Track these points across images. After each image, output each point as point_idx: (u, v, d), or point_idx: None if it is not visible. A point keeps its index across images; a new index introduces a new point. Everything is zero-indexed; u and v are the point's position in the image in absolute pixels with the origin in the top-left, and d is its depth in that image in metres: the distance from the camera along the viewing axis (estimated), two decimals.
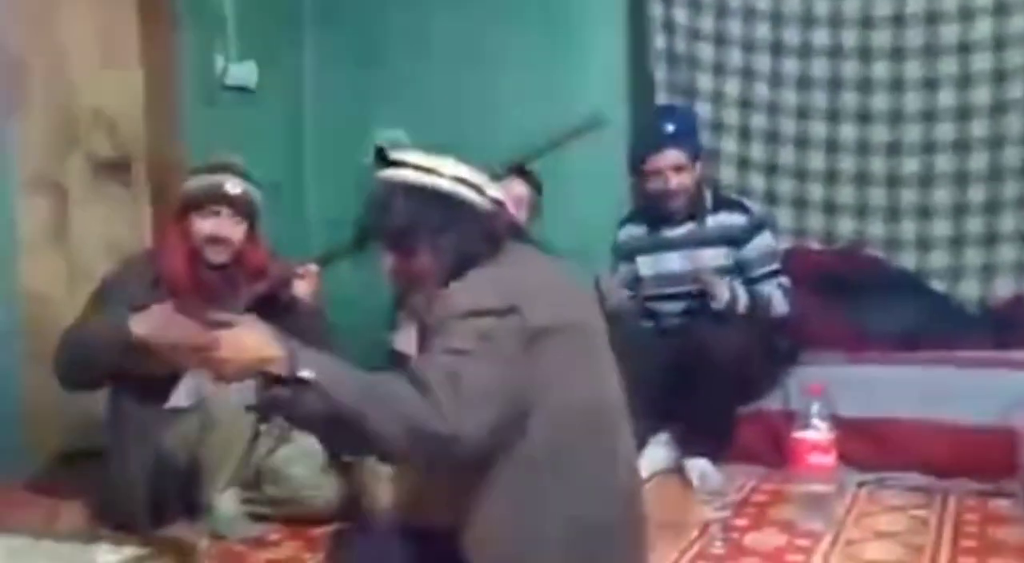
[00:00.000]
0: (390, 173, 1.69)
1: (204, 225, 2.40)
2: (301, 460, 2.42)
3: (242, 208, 2.43)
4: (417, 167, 1.67)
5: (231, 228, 2.42)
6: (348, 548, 1.74)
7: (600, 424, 1.63)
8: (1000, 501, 2.42)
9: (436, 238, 1.65)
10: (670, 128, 2.88)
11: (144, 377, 2.30)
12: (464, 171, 1.68)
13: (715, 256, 2.84)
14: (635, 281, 2.98)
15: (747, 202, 2.99)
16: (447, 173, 1.67)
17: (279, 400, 1.46)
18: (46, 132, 3.02)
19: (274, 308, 2.38)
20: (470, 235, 1.65)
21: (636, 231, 3.02)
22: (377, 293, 2.57)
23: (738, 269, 2.84)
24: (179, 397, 2.34)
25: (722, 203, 2.92)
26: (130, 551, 1.86)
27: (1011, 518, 2.30)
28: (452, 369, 1.48)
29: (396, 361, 2.73)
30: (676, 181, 2.85)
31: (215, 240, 2.40)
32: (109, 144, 3.08)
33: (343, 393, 1.46)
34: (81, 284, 2.67)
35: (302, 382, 1.45)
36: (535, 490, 1.55)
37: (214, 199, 2.41)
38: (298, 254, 2.68)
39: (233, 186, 2.42)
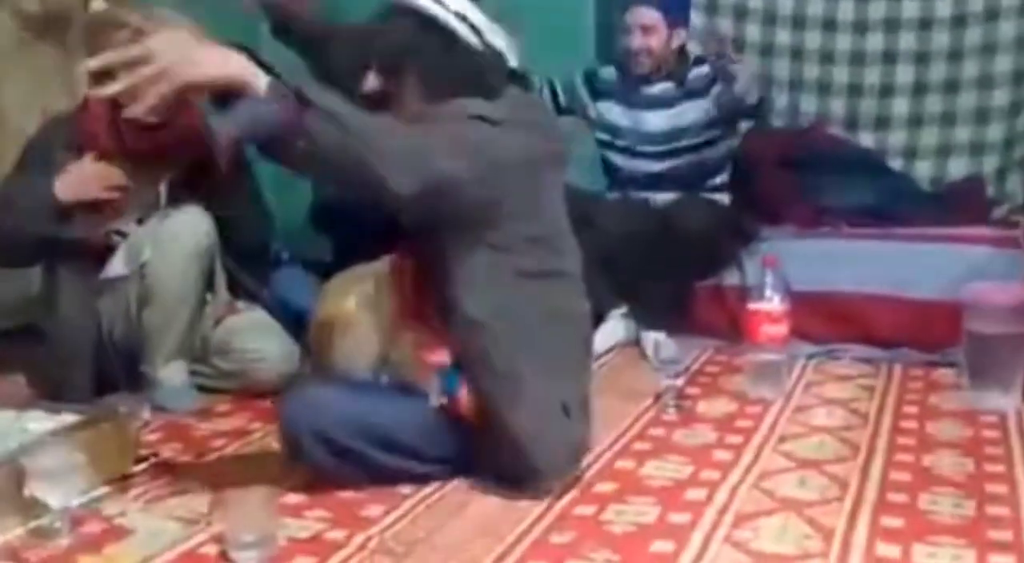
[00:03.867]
0: None
1: None
2: (249, 331, 2.38)
3: None
4: None
5: None
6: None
7: (569, 250, 1.81)
8: (944, 370, 2.50)
9: (424, 69, 1.69)
10: None
11: (78, 247, 2.22)
12: (469, 10, 1.70)
13: (696, 108, 2.85)
14: (613, 129, 2.96)
15: None
16: (451, 7, 1.69)
17: (275, 121, 1.41)
18: None
19: (205, 173, 2.29)
20: (458, 75, 1.69)
21: (610, 75, 2.98)
22: None
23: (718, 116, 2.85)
24: (116, 266, 2.27)
25: (697, 60, 2.92)
26: (64, 419, 1.84)
27: (952, 386, 2.38)
28: (447, 139, 1.59)
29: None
30: (641, 42, 2.83)
31: None
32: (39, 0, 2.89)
33: (347, 117, 1.48)
34: (10, 151, 2.51)
35: (303, 101, 1.43)
36: (525, 302, 1.70)
37: None
38: None
39: None
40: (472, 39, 1.71)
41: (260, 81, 1.42)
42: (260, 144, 1.47)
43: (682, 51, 2.91)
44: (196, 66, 1.40)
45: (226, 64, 1.42)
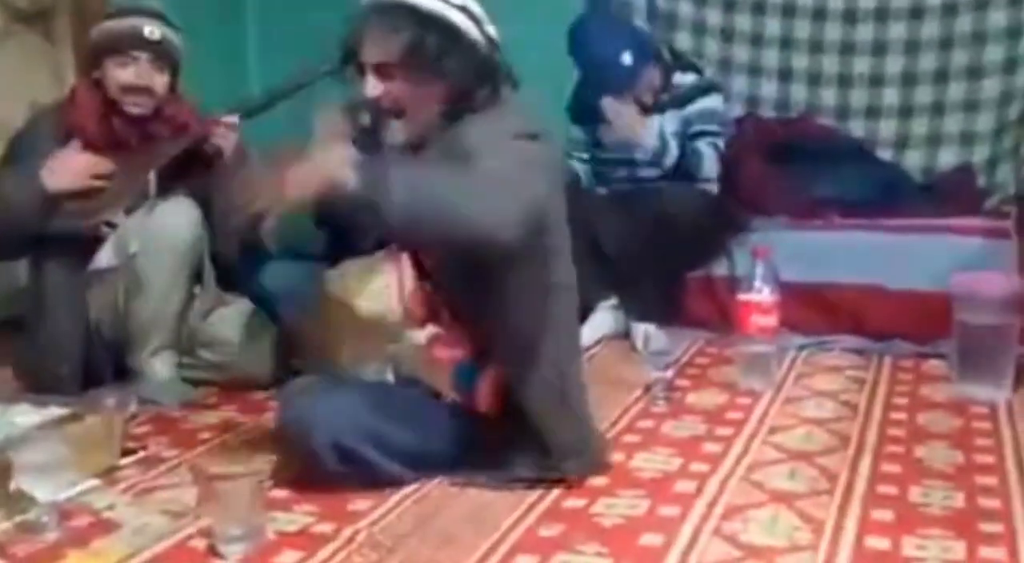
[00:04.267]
0: None
1: (121, 73, 2.23)
2: (237, 324, 2.37)
3: (163, 55, 2.26)
4: None
5: (151, 76, 2.24)
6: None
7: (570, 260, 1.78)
8: (933, 362, 2.50)
9: (434, 66, 1.64)
10: (627, 60, 2.73)
11: (66, 239, 2.21)
12: (469, 1, 1.68)
13: (670, 119, 2.82)
14: (593, 146, 2.95)
15: (701, 65, 2.98)
16: (453, 1, 1.66)
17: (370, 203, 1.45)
18: None
19: (195, 164, 2.28)
20: (466, 67, 1.66)
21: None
22: None
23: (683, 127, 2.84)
24: (104, 257, 2.25)
25: (678, 64, 2.90)
26: (51, 413, 1.83)
27: (942, 377, 2.38)
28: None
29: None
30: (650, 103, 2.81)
31: (133, 89, 2.23)
32: None
33: (431, 177, 1.51)
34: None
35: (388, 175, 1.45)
36: (557, 309, 1.71)
37: (131, 43, 2.23)
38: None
39: (152, 30, 2.24)
40: (473, 31, 1.67)
41: (348, 175, 1.46)
42: (367, 220, 1.52)
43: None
44: (295, 189, 1.48)
45: (315, 175, 1.48)
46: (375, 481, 1.72)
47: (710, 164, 2.81)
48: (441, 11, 1.64)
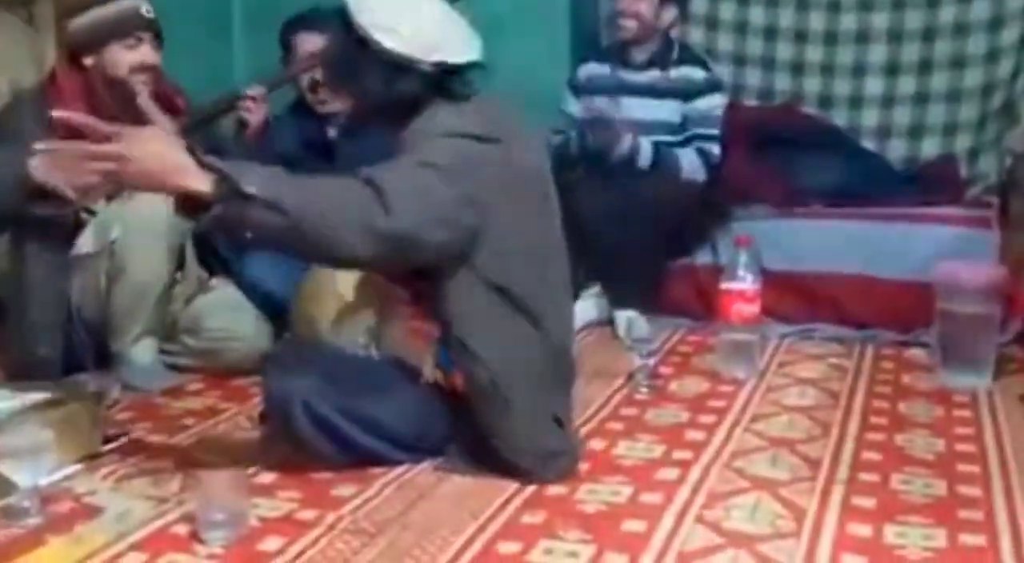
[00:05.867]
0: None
1: (130, 55, 2.21)
2: (219, 310, 2.36)
3: (158, 33, 2.26)
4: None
5: (155, 55, 2.24)
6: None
7: (554, 263, 1.78)
8: (915, 350, 2.52)
9: (347, 76, 1.71)
10: None
11: (47, 223, 2.18)
12: (402, 21, 1.66)
13: (670, 109, 2.84)
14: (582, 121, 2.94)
15: (709, 60, 2.99)
16: (373, 19, 1.66)
17: (224, 219, 1.48)
18: None
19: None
20: (375, 83, 1.68)
21: (599, 70, 2.96)
22: None
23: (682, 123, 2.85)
24: (85, 242, 2.23)
25: (686, 57, 2.91)
26: (32, 398, 1.81)
27: (924, 365, 2.40)
28: (415, 179, 1.56)
29: None
30: (629, 3, 2.81)
31: (142, 69, 2.22)
32: None
33: (289, 201, 1.49)
34: None
35: (244, 197, 1.46)
36: (508, 320, 1.67)
37: (136, 25, 2.22)
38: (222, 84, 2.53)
39: (148, 8, 2.24)
40: (398, 49, 1.64)
41: (203, 185, 1.48)
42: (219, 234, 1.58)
43: (668, 38, 2.90)
44: (147, 179, 1.50)
45: (171, 177, 1.48)
46: (351, 453, 1.72)
47: (689, 167, 2.81)
48: (362, 27, 1.65)
